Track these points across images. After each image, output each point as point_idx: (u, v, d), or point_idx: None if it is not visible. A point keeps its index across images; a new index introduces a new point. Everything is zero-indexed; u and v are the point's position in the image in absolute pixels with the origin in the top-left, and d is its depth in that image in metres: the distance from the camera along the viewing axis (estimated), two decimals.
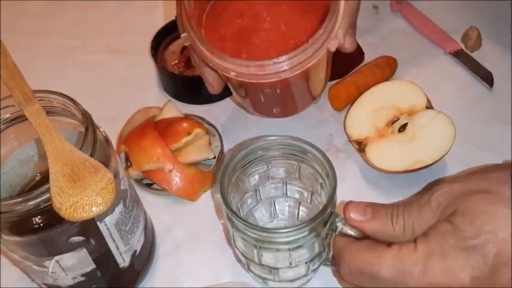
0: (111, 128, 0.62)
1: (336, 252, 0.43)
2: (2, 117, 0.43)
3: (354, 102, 0.60)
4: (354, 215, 0.42)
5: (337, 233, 0.43)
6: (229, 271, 0.52)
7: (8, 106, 0.42)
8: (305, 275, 0.46)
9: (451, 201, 0.39)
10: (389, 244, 0.40)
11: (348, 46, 0.50)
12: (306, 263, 0.44)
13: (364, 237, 0.42)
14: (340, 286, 0.49)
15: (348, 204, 0.42)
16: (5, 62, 0.41)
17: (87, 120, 0.40)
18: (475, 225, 0.36)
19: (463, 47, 0.68)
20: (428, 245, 0.38)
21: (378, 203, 0.43)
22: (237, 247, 0.45)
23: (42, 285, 0.47)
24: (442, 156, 0.54)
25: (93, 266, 0.44)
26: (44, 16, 0.80)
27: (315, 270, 0.46)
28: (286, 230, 0.40)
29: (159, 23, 0.70)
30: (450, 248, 0.37)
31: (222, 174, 0.43)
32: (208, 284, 0.51)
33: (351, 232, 0.42)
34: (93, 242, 0.42)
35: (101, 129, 0.43)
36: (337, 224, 0.42)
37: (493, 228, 0.36)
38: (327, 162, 0.43)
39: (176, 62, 0.67)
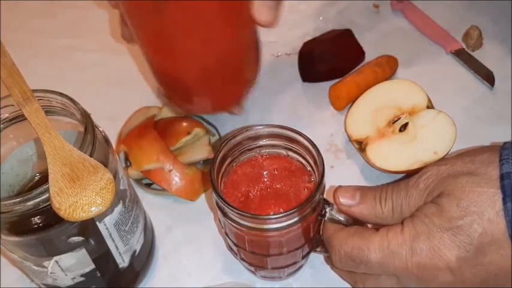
0: (111, 127, 0.61)
1: (325, 240, 0.44)
2: (1, 116, 0.42)
3: (354, 101, 0.60)
4: (343, 200, 0.43)
5: (326, 219, 0.43)
6: (229, 271, 0.52)
7: (7, 106, 0.42)
8: (296, 262, 0.46)
9: (438, 183, 0.39)
10: (377, 228, 0.41)
11: (263, 19, 0.46)
12: (297, 249, 0.44)
13: (353, 222, 0.43)
14: (331, 274, 0.49)
15: (337, 189, 0.43)
16: (4, 62, 0.41)
17: (86, 119, 0.40)
18: (460, 205, 0.37)
19: (464, 46, 0.68)
20: (414, 227, 0.39)
21: (366, 186, 0.44)
22: (228, 236, 0.46)
23: (42, 286, 0.47)
24: (443, 156, 0.54)
25: (93, 266, 0.44)
26: (44, 16, 0.80)
27: (305, 256, 0.47)
28: (275, 217, 0.40)
29: None
30: (436, 229, 0.38)
31: (212, 164, 0.43)
32: (208, 284, 0.51)
33: (340, 218, 0.43)
34: (92, 242, 0.42)
35: (100, 128, 0.43)
36: (326, 210, 0.43)
37: (479, 209, 0.37)
38: (314, 149, 0.44)
39: None
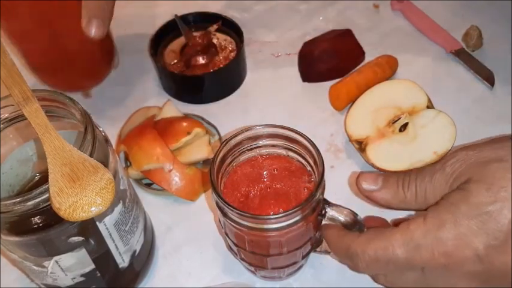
0: (111, 127, 0.62)
1: (343, 252, 0.43)
2: (1, 116, 0.42)
3: (354, 101, 0.60)
4: (365, 185, 0.43)
5: (326, 218, 0.43)
6: (229, 271, 0.52)
7: (7, 106, 0.42)
8: (296, 262, 0.46)
9: (465, 168, 0.38)
10: (396, 225, 0.40)
11: (93, 35, 0.52)
12: (297, 249, 0.44)
13: (353, 222, 0.42)
14: (331, 273, 0.49)
15: (359, 175, 0.43)
16: (4, 61, 0.41)
17: (86, 119, 0.40)
18: (490, 191, 0.36)
19: (464, 46, 0.68)
20: (439, 215, 0.38)
21: (390, 173, 0.43)
22: (228, 236, 0.46)
23: (42, 286, 0.47)
24: (443, 156, 0.54)
25: (93, 266, 0.44)
26: None
27: (305, 256, 0.47)
28: (275, 217, 0.40)
29: (159, 22, 0.70)
30: (462, 216, 0.37)
31: (212, 164, 0.43)
32: (208, 284, 0.51)
33: (340, 218, 0.43)
34: (92, 242, 0.42)
35: (100, 128, 0.43)
36: (326, 210, 0.43)
37: (509, 195, 0.35)
38: (314, 149, 0.44)
39: (176, 61, 0.67)
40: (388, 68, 0.65)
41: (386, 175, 0.42)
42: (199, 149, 0.57)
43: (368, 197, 0.42)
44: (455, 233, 0.37)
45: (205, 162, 0.59)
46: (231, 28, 0.69)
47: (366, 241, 0.40)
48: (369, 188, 0.42)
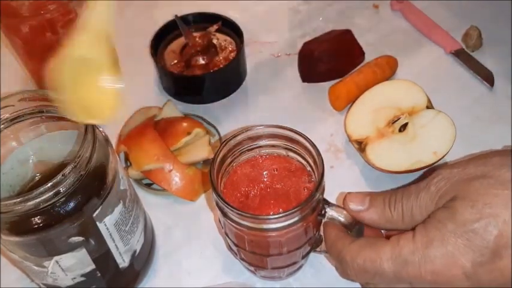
0: (111, 127, 0.62)
1: (335, 255, 0.43)
2: (1, 116, 0.42)
3: (354, 101, 0.60)
4: (352, 206, 0.42)
5: (326, 219, 0.43)
6: (229, 271, 0.52)
7: (7, 106, 0.42)
8: (296, 262, 0.47)
9: (450, 186, 0.38)
10: (388, 237, 0.40)
11: None
12: (297, 249, 0.44)
13: (353, 222, 0.43)
14: (331, 273, 0.49)
15: (346, 195, 0.43)
16: None
17: None
18: (475, 208, 0.36)
19: (464, 47, 0.68)
20: (426, 233, 0.38)
21: (377, 192, 0.43)
22: (228, 236, 0.46)
23: (42, 286, 0.47)
24: (443, 156, 0.54)
25: (93, 266, 0.44)
26: None
27: (305, 256, 0.47)
28: (275, 217, 0.40)
29: (159, 22, 0.70)
30: (449, 234, 0.37)
31: (212, 164, 0.43)
32: (208, 284, 0.51)
33: (340, 218, 0.43)
34: (92, 242, 0.42)
35: (100, 128, 0.43)
36: (326, 210, 0.43)
37: (494, 211, 0.36)
38: (314, 150, 0.44)
39: (176, 61, 0.67)
40: (387, 68, 0.65)
41: (373, 195, 0.43)
42: (200, 149, 0.57)
43: (355, 217, 0.42)
44: (442, 251, 0.37)
45: (205, 162, 0.59)
46: (231, 28, 0.69)
47: (357, 249, 0.40)
48: (356, 209, 0.42)
